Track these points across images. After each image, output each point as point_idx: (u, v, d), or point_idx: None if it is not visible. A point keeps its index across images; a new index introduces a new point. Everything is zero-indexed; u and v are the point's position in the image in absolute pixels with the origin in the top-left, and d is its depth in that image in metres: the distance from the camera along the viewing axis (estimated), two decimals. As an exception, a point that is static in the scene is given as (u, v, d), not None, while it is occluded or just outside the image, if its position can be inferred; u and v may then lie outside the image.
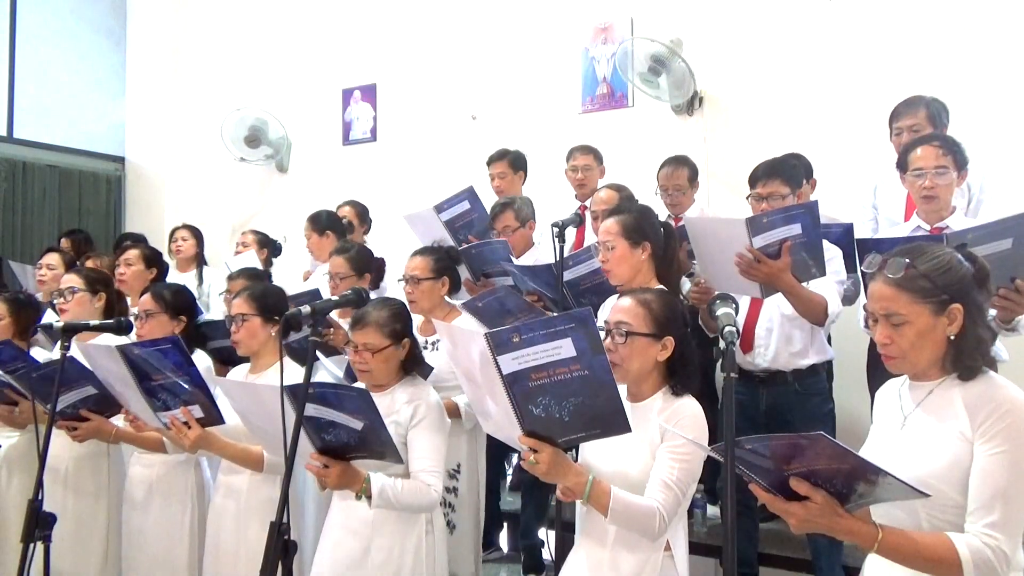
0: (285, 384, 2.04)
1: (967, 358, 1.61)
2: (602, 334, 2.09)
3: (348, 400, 2.13)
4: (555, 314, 1.69)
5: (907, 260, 1.63)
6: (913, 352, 1.63)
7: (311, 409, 2.14)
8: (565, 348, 1.71)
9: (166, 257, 4.47)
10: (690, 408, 2.03)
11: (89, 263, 4.17)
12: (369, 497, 2.27)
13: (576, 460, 2.10)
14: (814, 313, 2.80)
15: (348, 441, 2.21)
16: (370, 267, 3.50)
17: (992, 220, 2.37)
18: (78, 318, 3.09)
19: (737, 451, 1.49)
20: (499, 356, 1.73)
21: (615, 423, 1.80)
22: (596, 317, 2.59)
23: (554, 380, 1.74)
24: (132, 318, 3.08)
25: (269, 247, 4.85)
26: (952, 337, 1.62)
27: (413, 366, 2.60)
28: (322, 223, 4.36)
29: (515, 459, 4.19)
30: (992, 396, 1.57)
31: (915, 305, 1.61)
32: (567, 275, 3.08)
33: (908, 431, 1.67)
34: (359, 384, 2.60)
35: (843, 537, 1.55)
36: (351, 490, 2.29)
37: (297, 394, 2.04)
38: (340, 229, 4.38)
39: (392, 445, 2.21)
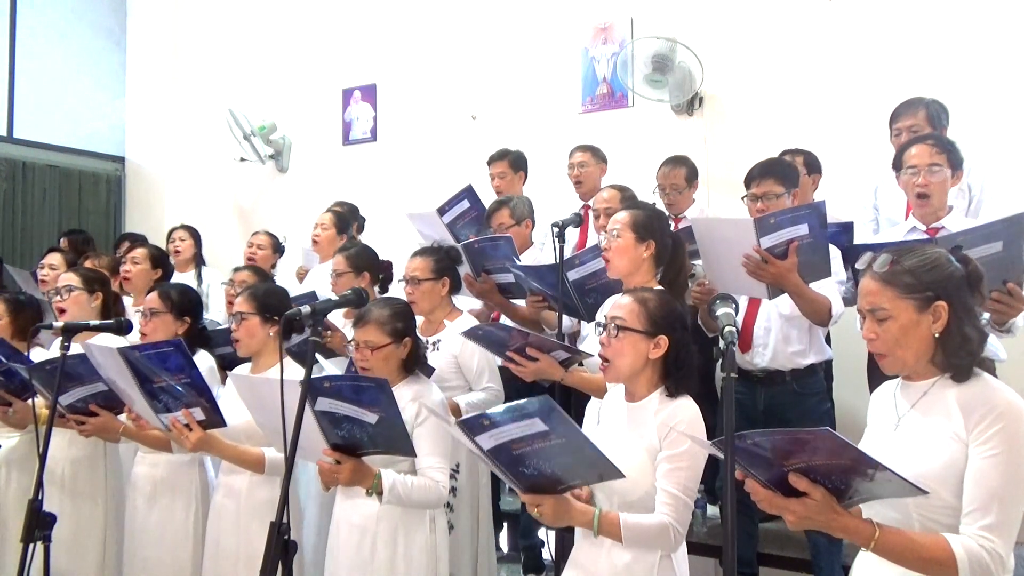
0: (298, 381, 2.05)
1: (953, 356, 1.62)
2: (599, 329, 2.12)
3: (365, 392, 2.14)
4: (525, 399, 1.79)
5: (893, 256, 1.65)
6: (898, 348, 1.64)
7: (326, 404, 2.16)
8: (536, 424, 1.75)
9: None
10: (687, 411, 2.02)
11: (88, 263, 4.17)
12: (380, 493, 2.28)
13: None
14: (819, 314, 2.81)
15: (361, 437, 2.22)
16: (370, 266, 3.51)
17: (982, 223, 2.38)
18: (75, 317, 3.09)
19: (737, 445, 1.49)
20: (476, 437, 1.80)
21: (607, 471, 1.85)
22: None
23: (535, 448, 1.79)
24: (137, 316, 3.08)
25: (280, 250, 4.87)
26: (937, 335, 1.62)
27: (415, 365, 2.61)
28: (344, 220, 4.37)
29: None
30: (986, 398, 1.57)
31: (899, 300, 1.62)
32: (573, 275, 3.08)
33: (902, 432, 1.68)
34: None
35: (840, 535, 1.55)
36: (362, 487, 2.30)
37: (311, 389, 2.07)
38: (348, 232, 4.41)
39: (406, 437, 2.23)
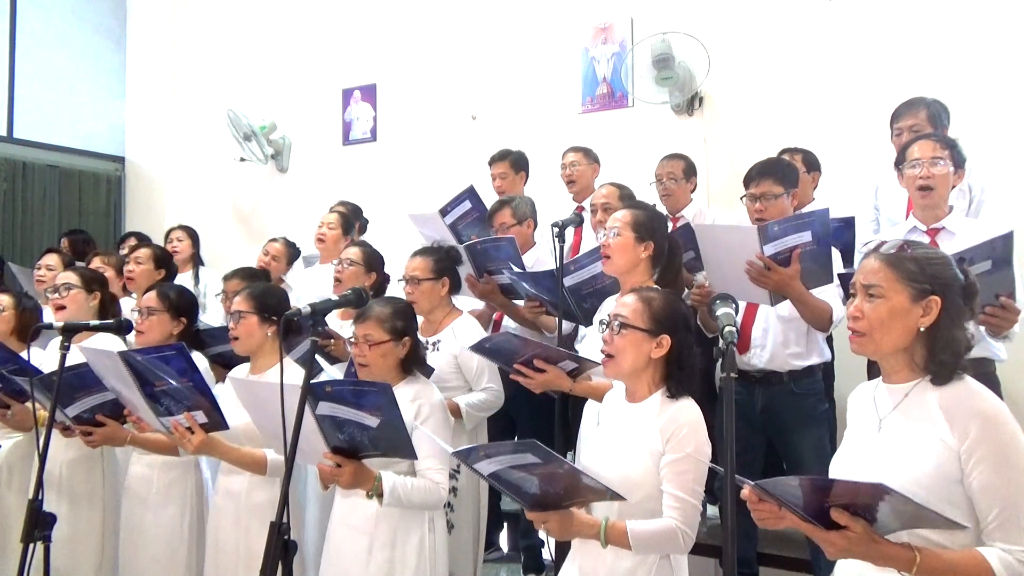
0: (299, 384, 2.06)
1: (940, 353, 1.61)
2: (602, 326, 2.13)
3: (367, 396, 2.14)
4: (518, 443, 1.89)
5: (902, 244, 1.68)
6: (880, 330, 1.65)
7: (327, 407, 2.16)
8: (529, 457, 1.82)
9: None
10: (688, 415, 2.01)
11: (97, 260, 4.17)
12: (380, 496, 2.28)
13: (574, 463, 2.12)
14: (820, 320, 2.82)
15: (361, 440, 2.22)
16: (379, 269, 3.53)
17: (982, 241, 2.39)
18: (73, 316, 3.09)
19: (778, 487, 1.51)
20: (475, 465, 1.90)
21: (612, 495, 1.90)
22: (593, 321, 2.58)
23: (534, 472, 1.85)
24: (135, 317, 3.06)
25: (295, 257, 4.85)
26: (923, 329, 1.62)
27: (414, 365, 2.61)
28: (348, 220, 4.36)
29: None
30: (969, 406, 1.57)
31: (896, 283, 1.64)
32: (570, 280, 3.06)
33: (885, 435, 1.67)
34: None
35: (881, 563, 1.54)
36: (363, 489, 2.30)
37: (312, 393, 2.07)
38: (351, 232, 4.41)
39: (407, 440, 2.23)
